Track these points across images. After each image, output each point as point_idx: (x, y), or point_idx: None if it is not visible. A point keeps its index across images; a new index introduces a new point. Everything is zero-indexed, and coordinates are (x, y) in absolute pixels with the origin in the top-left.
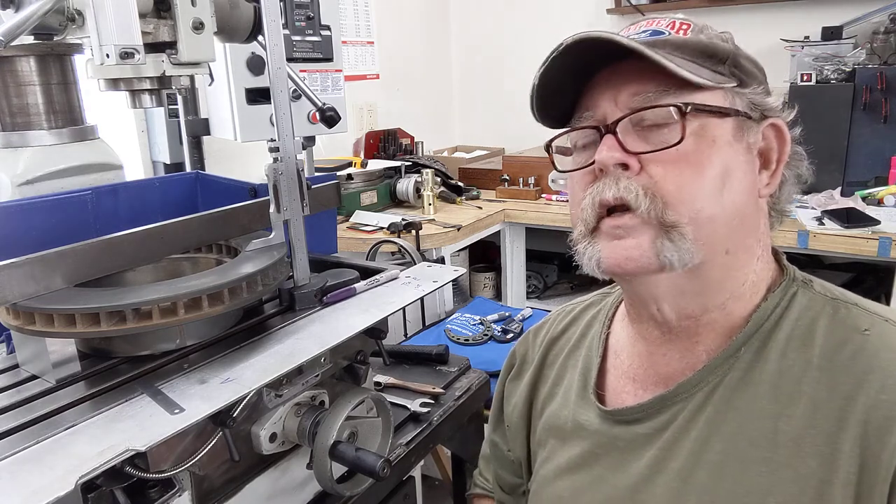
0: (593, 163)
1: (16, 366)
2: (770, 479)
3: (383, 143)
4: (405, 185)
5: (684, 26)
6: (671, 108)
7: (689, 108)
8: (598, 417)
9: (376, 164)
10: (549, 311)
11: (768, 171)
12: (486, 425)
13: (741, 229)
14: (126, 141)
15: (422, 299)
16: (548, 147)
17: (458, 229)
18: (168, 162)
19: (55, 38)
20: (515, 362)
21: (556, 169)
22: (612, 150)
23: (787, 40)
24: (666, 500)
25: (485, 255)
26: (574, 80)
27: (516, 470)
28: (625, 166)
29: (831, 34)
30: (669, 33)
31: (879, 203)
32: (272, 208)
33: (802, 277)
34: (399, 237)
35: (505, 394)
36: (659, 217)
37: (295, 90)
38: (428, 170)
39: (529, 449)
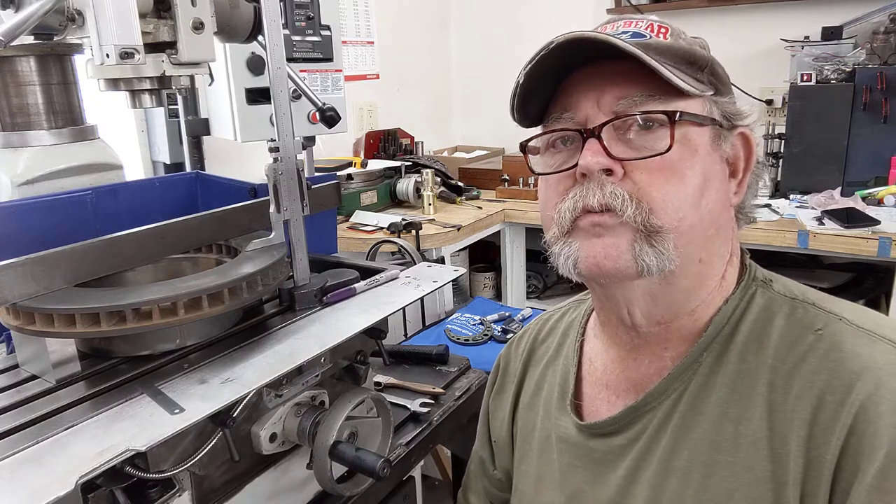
0: (573, 166)
1: (16, 366)
2: (732, 482)
3: (383, 143)
4: (405, 185)
5: (663, 30)
6: (661, 115)
7: (679, 116)
8: (575, 429)
9: (376, 164)
10: (539, 314)
11: (736, 179)
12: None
13: (716, 238)
14: (126, 141)
15: (422, 299)
16: (524, 148)
17: (458, 229)
18: (168, 162)
19: (55, 38)
20: (499, 374)
21: (532, 171)
22: (598, 156)
23: (787, 40)
24: None
25: (485, 255)
26: (553, 79)
27: (504, 487)
28: (608, 171)
29: (831, 34)
30: (650, 36)
31: (879, 203)
32: (272, 208)
33: (763, 277)
34: (399, 237)
35: (490, 410)
36: (644, 221)
37: (295, 90)
38: (428, 170)
39: (514, 462)
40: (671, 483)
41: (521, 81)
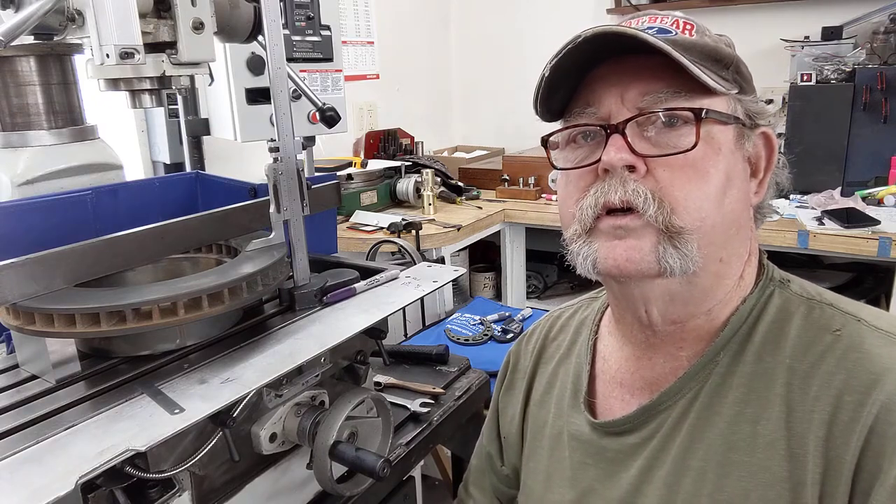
0: (595, 162)
1: (16, 366)
2: (748, 482)
3: (383, 143)
4: (405, 185)
5: (688, 26)
6: (687, 112)
7: (705, 113)
8: (588, 427)
9: (376, 164)
10: (549, 311)
11: (756, 178)
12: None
13: (736, 237)
14: (126, 141)
15: (422, 299)
16: (545, 142)
17: (458, 229)
18: (168, 162)
19: (55, 38)
20: (508, 370)
21: (553, 166)
22: (621, 152)
23: (787, 40)
24: None
25: (485, 255)
26: (576, 73)
27: (511, 483)
28: (631, 168)
29: (831, 34)
30: (676, 33)
31: (879, 203)
32: (272, 208)
33: (780, 277)
34: (399, 237)
35: (500, 406)
36: (666, 222)
37: (295, 90)
38: (428, 170)
39: (523, 459)
40: (686, 482)
41: (546, 74)
